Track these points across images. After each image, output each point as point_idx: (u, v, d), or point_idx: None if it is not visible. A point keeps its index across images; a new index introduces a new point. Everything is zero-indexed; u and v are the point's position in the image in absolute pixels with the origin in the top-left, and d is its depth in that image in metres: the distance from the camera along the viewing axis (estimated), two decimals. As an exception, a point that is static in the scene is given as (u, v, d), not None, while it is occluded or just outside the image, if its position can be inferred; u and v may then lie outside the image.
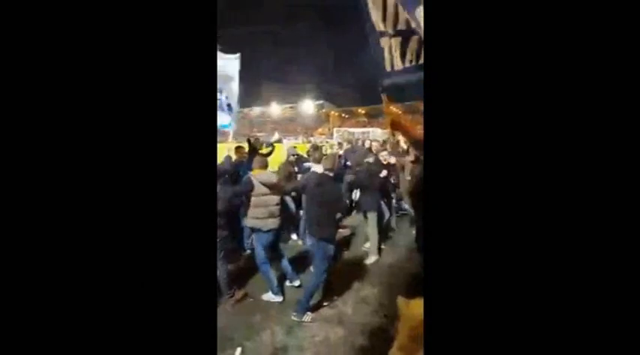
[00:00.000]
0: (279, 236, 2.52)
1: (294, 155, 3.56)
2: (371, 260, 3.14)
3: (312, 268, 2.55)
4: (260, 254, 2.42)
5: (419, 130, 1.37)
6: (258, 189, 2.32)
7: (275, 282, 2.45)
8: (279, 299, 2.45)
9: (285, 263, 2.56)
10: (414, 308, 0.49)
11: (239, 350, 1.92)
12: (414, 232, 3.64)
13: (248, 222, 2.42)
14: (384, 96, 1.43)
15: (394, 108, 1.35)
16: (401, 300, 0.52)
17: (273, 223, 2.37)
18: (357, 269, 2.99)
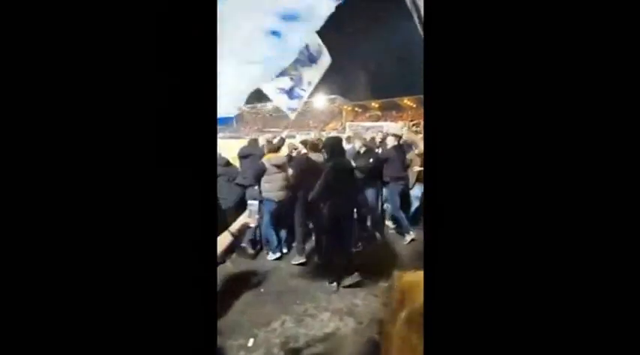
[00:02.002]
0: (283, 207, 3.06)
1: (295, 149, 3.92)
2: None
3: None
4: (267, 220, 3.00)
5: None
6: (270, 169, 2.94)
7: (275, 244, 3.08)
8: (278, 255, 3.07)
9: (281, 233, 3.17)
10: (406, 277, 0.51)
11: (252, 340, 1.97)
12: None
13: (262, 195, 2.98)
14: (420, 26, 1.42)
15: None
16: (397, 274, 0.54)
17: (281, 195, 2.98)
18: (367, 261, 2.98)
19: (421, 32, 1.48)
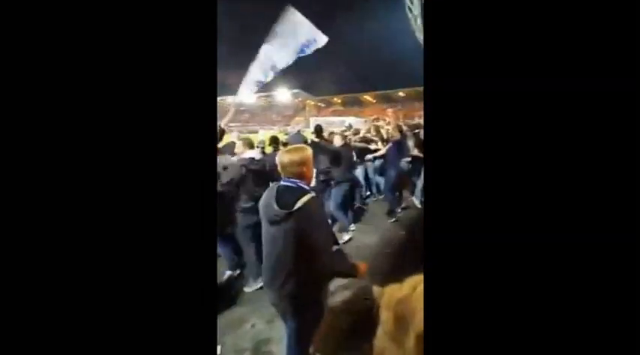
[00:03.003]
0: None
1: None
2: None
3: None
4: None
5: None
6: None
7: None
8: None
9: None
10: (390, 294, 0.48)
11: (219, 348, 1.87)
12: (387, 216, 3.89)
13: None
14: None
15: None
16: (376, 289, 0.51)
17: None
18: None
19: (413, 28, 1.48)
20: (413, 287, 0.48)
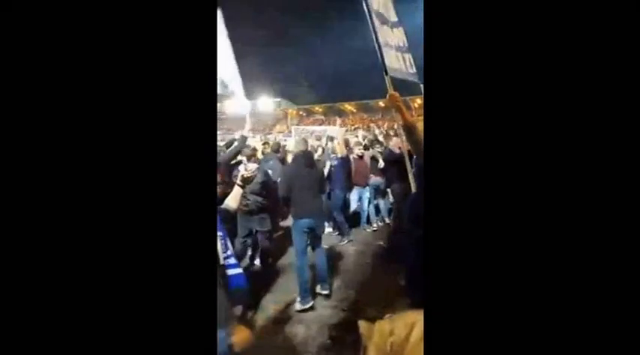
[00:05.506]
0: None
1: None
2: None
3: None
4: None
5: (411, 116, 1.45)
6: None
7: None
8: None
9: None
10: (381, 332, 0.46)
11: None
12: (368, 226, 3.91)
13: None
14: (387, 78, 1.56)
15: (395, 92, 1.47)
16: (363, 324, 0.50)
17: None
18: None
19: (374, 38, 1.58)
20: (409, 325, 0.45)
